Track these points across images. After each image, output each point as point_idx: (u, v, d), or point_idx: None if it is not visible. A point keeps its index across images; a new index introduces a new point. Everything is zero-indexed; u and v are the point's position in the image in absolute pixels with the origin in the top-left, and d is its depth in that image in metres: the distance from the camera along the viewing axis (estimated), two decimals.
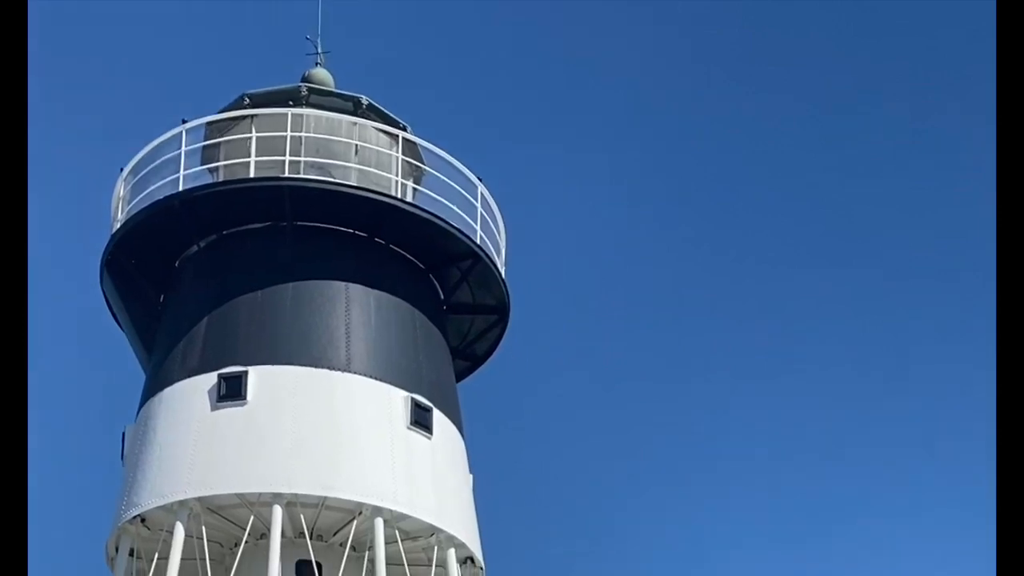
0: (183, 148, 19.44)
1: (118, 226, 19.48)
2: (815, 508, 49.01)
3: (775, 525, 48.61)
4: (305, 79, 21.57)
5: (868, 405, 48.39)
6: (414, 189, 21.00)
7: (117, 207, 19.83)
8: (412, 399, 18.86)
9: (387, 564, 17.88)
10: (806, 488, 48.85)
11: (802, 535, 48.76)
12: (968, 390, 46.92)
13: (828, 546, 48.30)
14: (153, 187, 19.33)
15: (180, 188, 19.14)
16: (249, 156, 19.53)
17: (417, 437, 18.79)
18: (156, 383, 18.71)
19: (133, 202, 19.49)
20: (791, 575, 47.73)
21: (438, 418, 19.23)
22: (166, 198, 19.13)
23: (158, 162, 19.53)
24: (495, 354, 21.80)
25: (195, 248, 19.65)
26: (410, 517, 18.18)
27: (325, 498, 17.76)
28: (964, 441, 46.51)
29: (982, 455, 44.19)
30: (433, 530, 18.48)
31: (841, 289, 49.02)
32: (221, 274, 19.26)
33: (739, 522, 48.59)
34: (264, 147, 19.64)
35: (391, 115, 21.15)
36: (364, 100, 21.04)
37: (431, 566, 18.69)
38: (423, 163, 20.93)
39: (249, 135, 19.71)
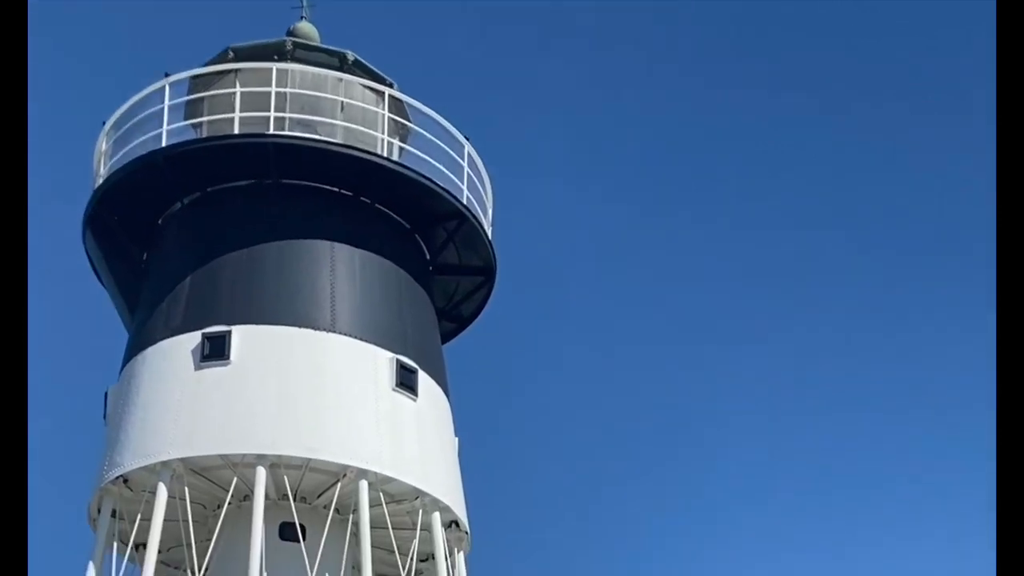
0: (166, 103, 19.48)
1: (100, 182, 19.58)
2: (812, 471, 49.64)
3: (770, 489, 49.14)
4: (290, 33, 21.64)
5: (868, 367, 49.01)
6: (400, 147, 21.13)
7: (99, 162, 19.91)
8: (397, 360, 19.06)
9: (371, 527, 18.07)
10: (803, 452, 49.46)
11: (797, 498, 49.38)
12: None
13: (824, 509, 48.99)
14: (136, 142, 19.42)
15: (163, 144, 19.22)
16: (233, 112, 19.63)
17: (402, 399, 19.01)
18: (139, 342, 18.86)
19: (115, 157, 19.56)
20: (784, 539, 48.50)
21: (423, 380, 19.45)
22: (149, 154, 19.19)
23: (141, 117, 19.60)
24: (481, 316, 22.05)
25: (178, 205, 19.76)
26: (395, 480, 18.40)
27: (309, 460, 17.97)
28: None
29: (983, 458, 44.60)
30: (418, 493, 18.71)
31: (839, 253, 49.53)
32: (205, 232, 19.38)
33: (733, 484, 49.07)
34: (249, 103, 19.71)
35: (377, 71, 21.25)
36: (350, 56, 21.12)
37: (415, 529, 18.92)
38: (409, 121, 21.05)
39: (233, 90, 19.80)
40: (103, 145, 19.96)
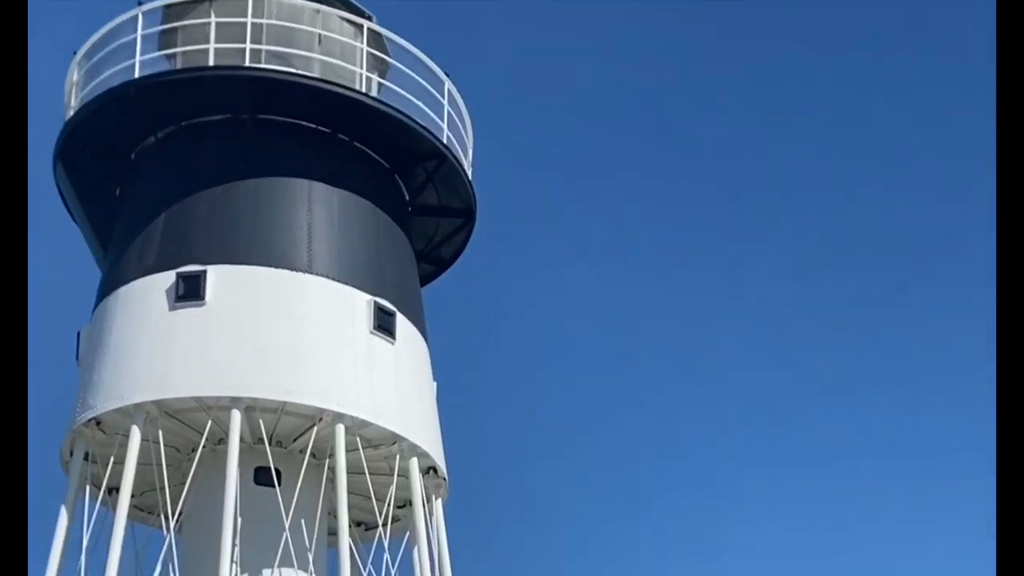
0: (139, 32, 19.29)
1: (71, 114, 19.43)
2: (806, 427, 50.22)
3: (759, 435, 49.64)
4: None
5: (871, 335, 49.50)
6: (379, 83, 21.07)
7: (70, 94, 19.72)
8: (375, 303, 19.10)
9: (348, 472, 18.20)
10: (801, 406, 50.01)
11: (793, 449, 49.94)
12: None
13: (818, 472, 49.59)
14: (108, 73, 19.26)
15: (136, 75, 19.07)
16: (208, 43, 19.50)
17: (380, 342, 19.08)
18: (112, 281, 18.81)
19: (87, 89, 19.40)
20: (775, 487, 49.06)
21: (402, 323, 19.50)
22: (121, 85, 19.03)
23: (113, 47, 19.42)
24: (461, 258, 22.10)
25: (152, 140, 19.64)
26: (372, 424, 18.51)
27: (285, 403, 18.05)
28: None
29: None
30: (395, 438, 18.83)
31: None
32: (179, 168, 19.29)
33: (723, 430, 49.51)
34: (224, 34, 19.54)
35: (356, 3, 21.10)
36: None
37: (393, 475, 19.06)
38: (389, 56, 20.96)
39: (208, 20, 19.65)
40: (74, 76, 19.77)
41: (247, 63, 19.29)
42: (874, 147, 49.57)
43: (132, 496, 17.78)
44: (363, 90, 19.98)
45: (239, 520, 17.44)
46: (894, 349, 49.72)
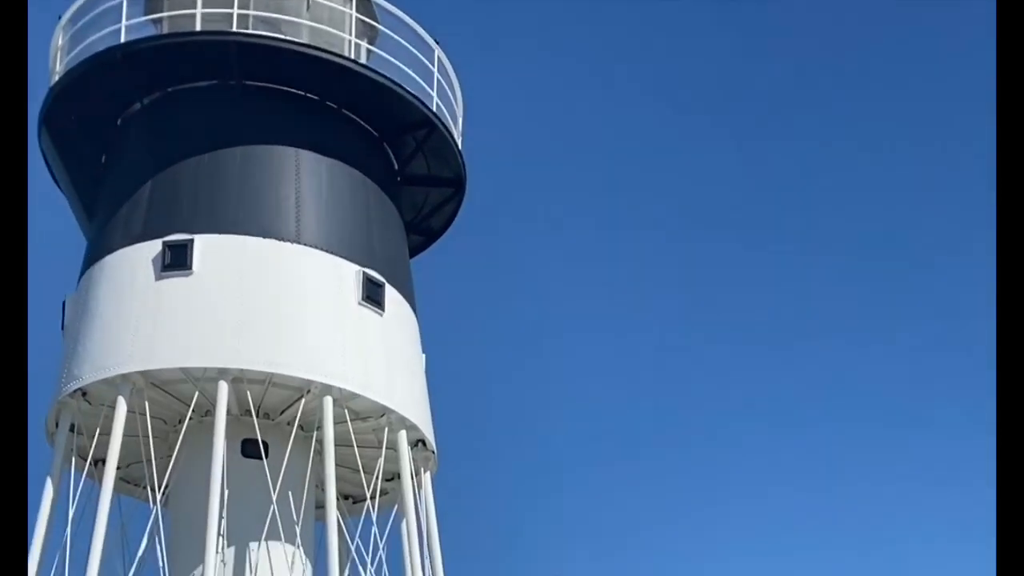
0: None
1: (56, 79, 19.26)
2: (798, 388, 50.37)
3: (744, 400, 49.79)
4: None
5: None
6: (368, 50, 20.96)
7: (55, 59, 19.54)
8: (364, 274, 19.04)
9: (335, 445, 18.19)
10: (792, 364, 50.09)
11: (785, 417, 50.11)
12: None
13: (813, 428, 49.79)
14: (93, 38, 19.09)
15: (122, 40, 18.91)
16: (195, 7, 19.31)
17: (368, 313, 19.03)
18: (97, 250, 18.70)
19: (72, 53, 19.24)
20: (764, 450, 49.26)
21: (391, 294, 19.44)
22: (106, 50, 18.86)
23: (98, 11, 19.27)
24: (450, 229, 22.03)
25: (138, 106, 19.48)
26: (360, 396, 18.49)
27: (272, 375, 17.99)
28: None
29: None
30: (384, 411, 18.81)
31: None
32: (165, 135, 19.15)
33: (713, 399, 49.63)
34: None
35: None
36: None
37: (381, 448, 19.03)
38: (378, 22, 20.84)
39: None
40: (59, 40, 19.60)
41: (234, 28, 19.15)
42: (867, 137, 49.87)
43: (118, 468, 17.72)
44: (352, 57, 19.90)
45: (226, 492, 17.42)
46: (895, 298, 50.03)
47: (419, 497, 19.60)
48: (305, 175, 19.25)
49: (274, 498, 17.77)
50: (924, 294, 50.44)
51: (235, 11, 19.33)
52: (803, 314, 49.21)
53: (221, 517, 17.37)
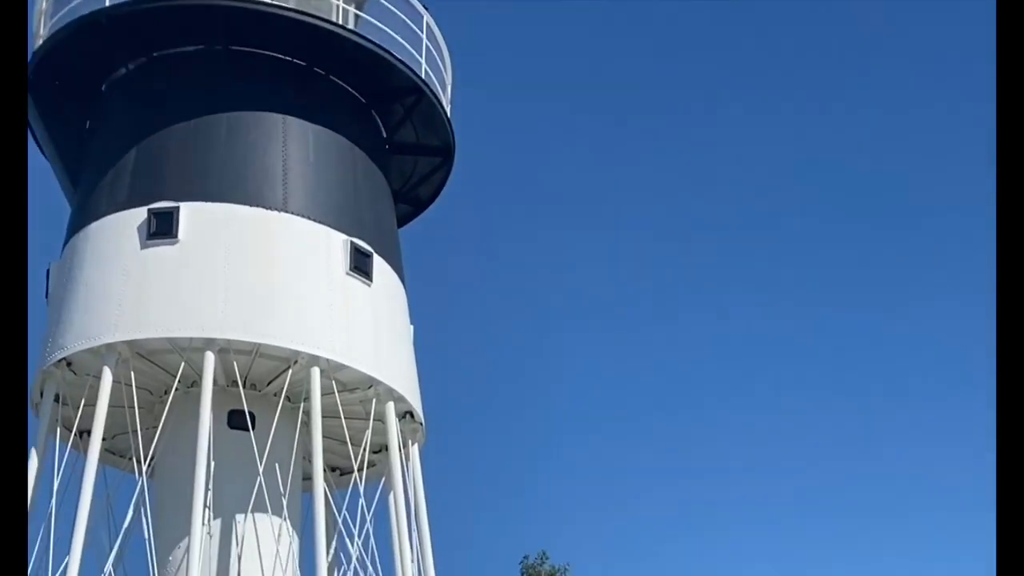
0: None
1: (40, 43, 19.08)
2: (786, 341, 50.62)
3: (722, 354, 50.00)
4: None
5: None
6: (356, 16, 20.85)
7: (39, 22, 19.36)
8: (352, 243, 18.96)
9: (323, 416, 18.14)
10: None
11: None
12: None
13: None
14: (77, 1, 18.91)
15: (107, 3, 18.69)
16: None
17: (356, 284, 18.96)
18: (82, 217, 18.57)
19: (56, 17, 19.07)
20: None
21: (379, 264, 19.37)
22: (91, 14, 18.66)
23: None
24: (439, 199, 21.98)
25: (123, 71, 19.34)
26: (348, 367, 18.42)
27: (259, 345, 17.92)
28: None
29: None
30: (371, 382, 18.75)
31: None
32: (151, 101, 19.02)
33: (699, 367, 49.82)
34: None
35: None
36: None
37: (369, 420, 18.97)
38: None
39: None
40: (43, 4, 19.43)
41: None
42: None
43: (103, 439, 17.60)
44: (340, 22, 19.76)
45: (212, 464, 17.37)
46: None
47: (407, 469, 19.57)
48: (292, 142, 19.15)
49: (261, 470, 17.70)
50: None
51: None
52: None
53: (207, 489, 17.30)
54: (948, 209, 51.67)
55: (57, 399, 18.10)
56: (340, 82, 20.05)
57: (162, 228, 18.10)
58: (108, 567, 17.21)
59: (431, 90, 20.41)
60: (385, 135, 20.88)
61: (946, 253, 50.56)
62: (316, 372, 18.19)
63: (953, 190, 51.27)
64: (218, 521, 17.94)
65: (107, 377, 17.54)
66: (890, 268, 50.95)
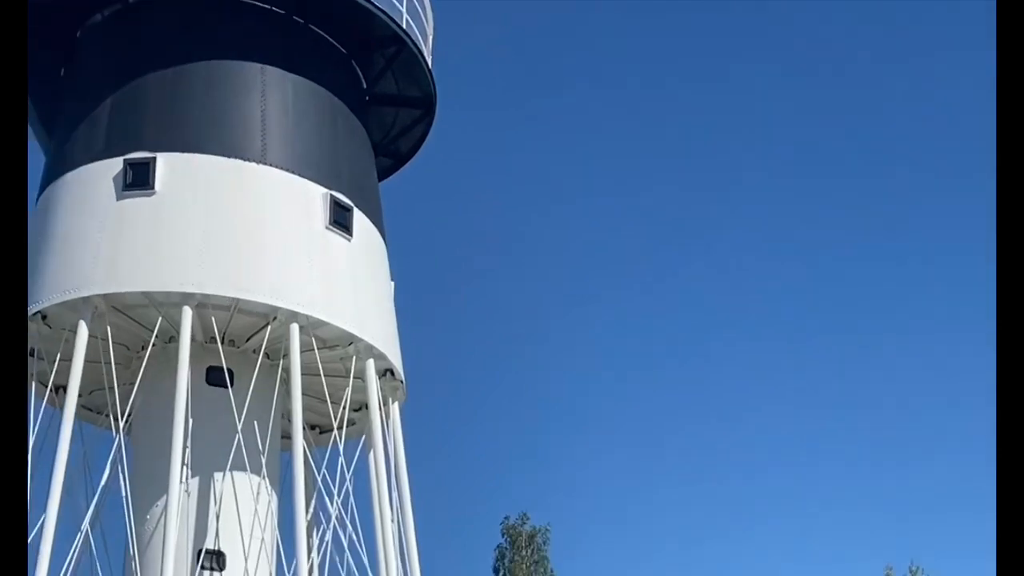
0: None
1: None
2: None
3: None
4: None
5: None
6: None
7: None
8: (331, 196, 18.75)
9: (302, 373, 17.94)
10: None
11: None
12: None
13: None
14: None
15: None
16: None
17: (336, 238, 18.77)
18: (57, 167, 18.31)
19: None
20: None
21: (359, 219, 19.18)
22: None
23: None
24: (420, 152, 21.77)
25: (99, 17, 19.03)
26: (328, 324, 18.25)
27: (238, 301, 17.71)
28: None
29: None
30: (351, 339, 18.57)
31: None
32: (127, 48, 18.77)
33: (682, 323, 49.86)
34: None
35: None
36: None
37: (348, 377, 18.84)
38: None
39: None
40: None
41: None
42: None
43: (80, 395, 17.40)
44: None
45: (190, 421, 17.18)
46: None
47: (387, 428, 19.44)
48: (271, 93, 18.91)
49: (239, 427, 17.55)
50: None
51: None
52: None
53: (185, 446, 17.10)
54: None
55: (32, 354, 17.84)
56: (320, 32, 19.82)
57: (138, 179, 17.86)
58: (85, 525, 17.03)
59: (412, 40, 20.20)
60: (365, 86, 20.66)
61: None
62: (295, 328, 18.00)
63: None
64: (196, 479, 17.77)
65: (83, 331, 17.31)
66: None
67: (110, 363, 17.28)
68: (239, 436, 17.58)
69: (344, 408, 18.90)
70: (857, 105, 51.23)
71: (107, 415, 17.99)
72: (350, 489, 18.62)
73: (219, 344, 17.88)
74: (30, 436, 17.24)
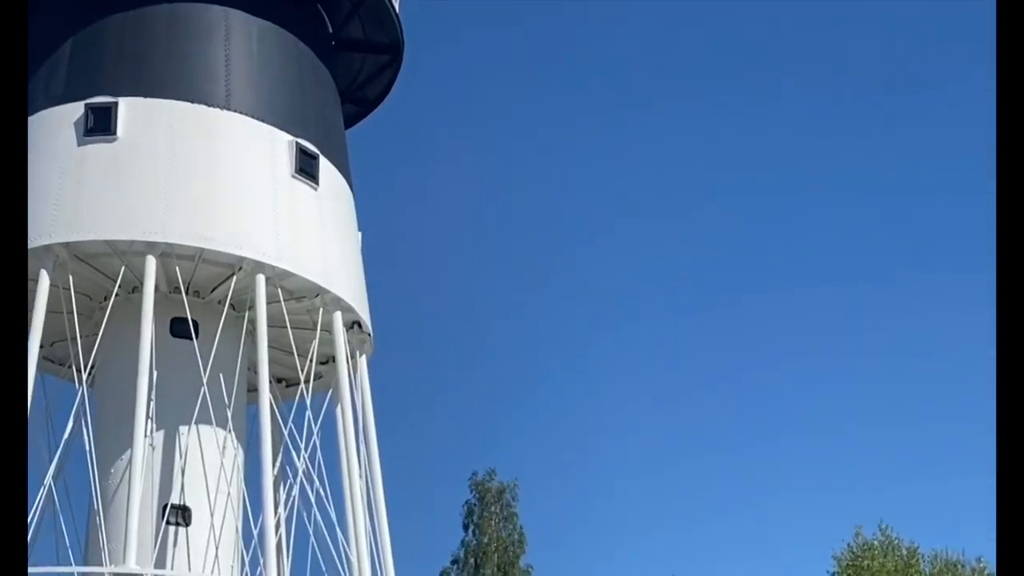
0: None
1: None
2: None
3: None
4: None
5: None
6: None
7: None
8: (297, 144, 18.63)
9: (269, 325, 17.87)
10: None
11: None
12: None
13: None
14: None
15: None
16: None
17: (302, 187, 18.66)
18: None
19: None
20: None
21: (325, 167, 19.07)
22: None
23: None
24: (387, 99, 21.66)
25: None
26: (294, 275, 18.17)
27: (202, 250, 17.62)
28: None
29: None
30: (318, 290, 18.52)
31: None
32: None
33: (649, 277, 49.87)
34: None
35: None
36: None
37: (315, 330, 18.76)
38: None
39: None
40: None
41: None
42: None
43: (41, 347, 17.31)
44: None
45: (155, 373, 17.10)
46: None
47: (354, 381, 19.38)
48: (235, 37, 18.76)
49: (205, 380, 17.46)
50: None
51: None
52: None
53: (150, 400, 17.02)
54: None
55: None
56: None
57: (100, 124, 17.72)
58: (48, 479, 16.92)
59: None
60: (331, 31, 20.49)
61: None
62: (261, 279, 17.91)
63: None
64: (161, 432, 17.68)
65: (44, 281, 17.16)
66: None
67: (72, 313, 17.15)
68: (204, 389, 17.50)
69: (311, 361, 18.87)
70: None
71: (70, 367, 17.89)
72: (317, 443, 18.63)
73: (184, 295, 17.80)
74: None
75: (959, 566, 26.09)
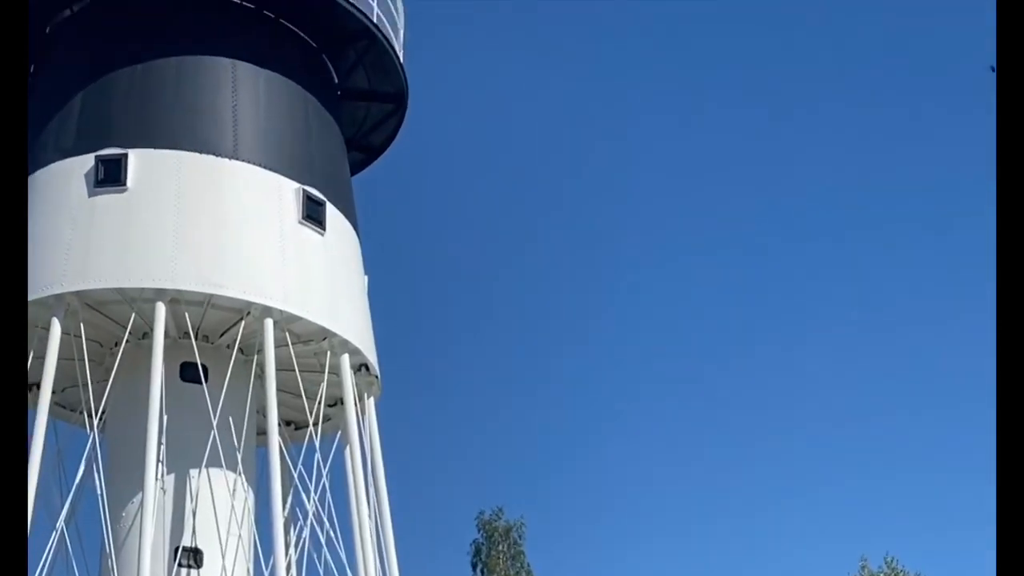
0: None
1: None
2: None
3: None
4: None
5: None
6: None
7: None
8: (304, 191, 19.14)
9: (277, 369, 18.29)
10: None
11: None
12: None
13: None
14: None
15: None
16: None
17: (309, 233, 19.15)
18: (28, 164, 18.62)
19: None
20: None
21: (331, 213, 19.59)
22: None
23: None
24: (392, 146, 22.20)
25: (67, 12, 19.41)
26: (301, 319, 18.62)
27: (211, 296, 18.07)
28: None
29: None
30: (326, 334, 18.95)
31: None
32: (96, 43, 19.18)
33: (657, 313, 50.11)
34: None
35: None
36: None
37: (323, 372, 19.24)
38: None
39: None
40: None
41: None
42: None
43: (53, 392, 17.77)
44: None
45: (164, 418, 17.52)
46: None
47: (362, 423, 19.80)
48: (242, 88, 19.30)
49: (214, 423, 17.90)
50: None
51: None
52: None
53: (160, 443, 17.43)
54: None
55: None
56: (291, 26, 20.25)
57: (110, 175, 18.24)
58: (60, 523, 17.35)
59: (383, 34, 20.61)
60: (337, 81, 21.07)
61: None
62: (269, 323, 18.36)
63: None
64: (171, 476, 18.11)
65: (56, 329, 17.65)
66: None
67: (83, 360, 17.62)
68: (214, 432, 17.92)
69: (319, 403, 19.26)
70: None
71: (81, 412, 18.33)
72: (327, 485, 19.00)
73: (193, 340, 18.22)
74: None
75: None
